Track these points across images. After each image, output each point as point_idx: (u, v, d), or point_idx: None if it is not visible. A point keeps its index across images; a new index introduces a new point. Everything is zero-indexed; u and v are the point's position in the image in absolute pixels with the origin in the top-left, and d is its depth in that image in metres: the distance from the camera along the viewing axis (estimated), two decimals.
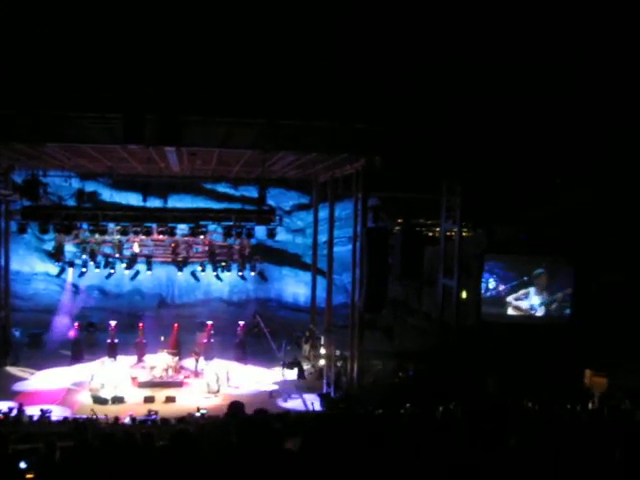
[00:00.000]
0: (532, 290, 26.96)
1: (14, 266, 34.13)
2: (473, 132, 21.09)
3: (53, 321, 33.58)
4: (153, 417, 20.72)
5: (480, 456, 3.43)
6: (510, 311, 27.16)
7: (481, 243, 26.89)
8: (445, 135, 21.23)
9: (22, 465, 8.14)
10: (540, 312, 26.77)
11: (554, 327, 25.28)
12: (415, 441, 5.24)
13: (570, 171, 24.58)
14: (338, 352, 26.72)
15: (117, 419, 19.43)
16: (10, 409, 20.89)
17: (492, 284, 27.01)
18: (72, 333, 30.85)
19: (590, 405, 17.98)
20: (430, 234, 30.85)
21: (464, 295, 26.39)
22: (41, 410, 20.86)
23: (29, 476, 7.69)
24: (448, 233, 26.90)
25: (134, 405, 23.35)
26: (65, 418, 20.23)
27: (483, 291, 26.39)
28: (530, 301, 27.04)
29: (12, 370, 28.46)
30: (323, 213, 32.74)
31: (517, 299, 27.46)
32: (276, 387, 26.03)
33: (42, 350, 31.58)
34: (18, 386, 26.17)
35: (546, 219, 25.78)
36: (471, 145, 21.68)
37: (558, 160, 23.18)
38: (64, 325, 33.20)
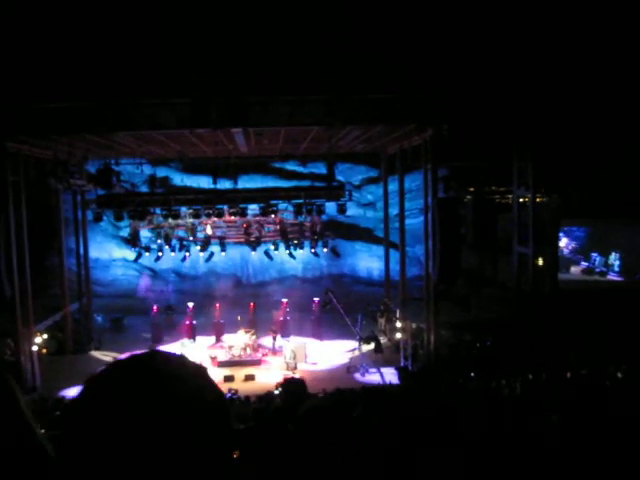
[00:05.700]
0: (612, 253, 26.35)
1: (93, 254, 35.09)
2: (541, 93, 20.54)
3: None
4: (233, 395, 21.00)
5: (575, 428, 3.33)
6: (588, 276, 26.60)
7: (556, 208, 26.28)
8: (512, 98, 20.75)
9: None
10: (620, 276, 26.13)
11: (635, 291, 24.55)
12: (497, 412, 5.16)
13: None
14: (414, 325, 26.58)
15: None
16: None
17: (568, 248, 26.51)
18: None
19: None
20: (503, 201, 30.25)
21: (540, 262, 25.88)
22: None
23: None
24: (521, 200, 26.36)
25: None
26: None
27: (560, 256, 25.88)
28: (610, 264, 26.43)
29: (96, 354, 29.21)
30: (393, 186, 32.44)
31: (595, 263, 26.87)
32: (353, 362, 26.09)
33: (124, 334, 32.42)
34: None
35: (622, 179, 24.97)
36: (539, 107, 21.12)
37: (629, 118, 22.39)
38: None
